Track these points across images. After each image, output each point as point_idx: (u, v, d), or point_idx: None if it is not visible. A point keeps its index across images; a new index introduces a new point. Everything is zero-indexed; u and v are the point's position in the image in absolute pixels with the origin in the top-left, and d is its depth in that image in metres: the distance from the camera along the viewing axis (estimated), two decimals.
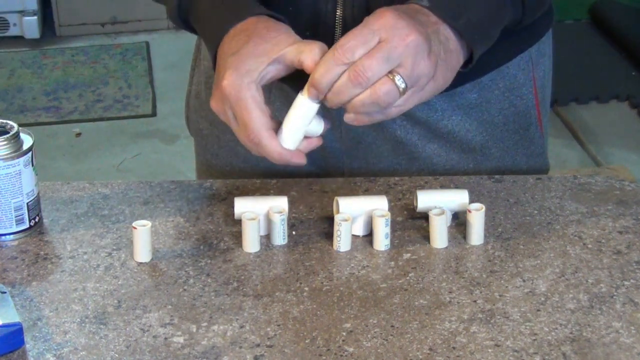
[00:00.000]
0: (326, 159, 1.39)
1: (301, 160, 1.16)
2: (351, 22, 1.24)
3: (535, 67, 1.37)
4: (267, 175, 1.34)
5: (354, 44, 1.10)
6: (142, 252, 1.15)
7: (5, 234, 1.19)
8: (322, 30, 1.27)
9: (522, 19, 1.24)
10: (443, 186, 1.30)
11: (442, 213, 1.18)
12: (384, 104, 1.11)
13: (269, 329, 1.06)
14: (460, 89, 1.33)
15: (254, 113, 1.13)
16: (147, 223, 1.15)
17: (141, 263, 1.15)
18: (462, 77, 1.25)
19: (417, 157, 1.36)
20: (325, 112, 1.18)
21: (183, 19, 1.26)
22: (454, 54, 1.16)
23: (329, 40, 1.24)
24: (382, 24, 1.11)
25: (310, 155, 1.40)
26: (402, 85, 1.11)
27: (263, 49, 1.15)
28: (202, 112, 1.45)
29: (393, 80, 1.10)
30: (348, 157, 1.38)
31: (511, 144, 1.38)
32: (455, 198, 1.22)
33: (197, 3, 1.24)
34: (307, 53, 1.13)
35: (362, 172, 1.37)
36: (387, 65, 1.10)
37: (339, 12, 1.26)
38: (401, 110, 1.14)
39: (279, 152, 1.15)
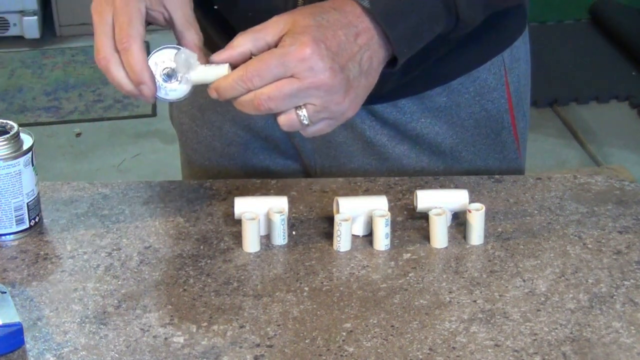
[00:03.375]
0: (297, 158, 1.39)
1: (150, 92, 1.11)
2: None
3: (508, 72, 1.36)
4: (245, 170, 1.33)
5: (265, 73, 1.07)
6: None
7: (5, 234, 1.19)
8: None
9: (454, 29, 1.18)
10: (443, 186, 1.30)
11: (442, 213, 1.18)
12: (284, 129, 1.11)
13: (269, 329, 1.06)
14: (429, 92, 1.32)
15: (136, 21, 1.10)
16: None
17: (141, 263, 1.15)
18: (431, 81, 1.23)
19: (387, 158, 1.35)
20: None
21: None
22: (374, 72, 1.12)
23: None
24: (300, 59, 1.07)
25: (282, 153, 1.39)
26: (305, 122, 1.10)
27: None
28: (183, 107, 1.45)
29: (297, 114, 1.09)
30: (319, 156, 1.37)
31: (482, 148, 1.37)
32: (455, 198, 1.22)
33: None
34: (191, 35, 1.12)
35: (333, 172, 1.36)
36: (293, 102, 1.08)
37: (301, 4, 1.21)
38: (308, 134, 1.12)
39: (141, 66, 1.10)
